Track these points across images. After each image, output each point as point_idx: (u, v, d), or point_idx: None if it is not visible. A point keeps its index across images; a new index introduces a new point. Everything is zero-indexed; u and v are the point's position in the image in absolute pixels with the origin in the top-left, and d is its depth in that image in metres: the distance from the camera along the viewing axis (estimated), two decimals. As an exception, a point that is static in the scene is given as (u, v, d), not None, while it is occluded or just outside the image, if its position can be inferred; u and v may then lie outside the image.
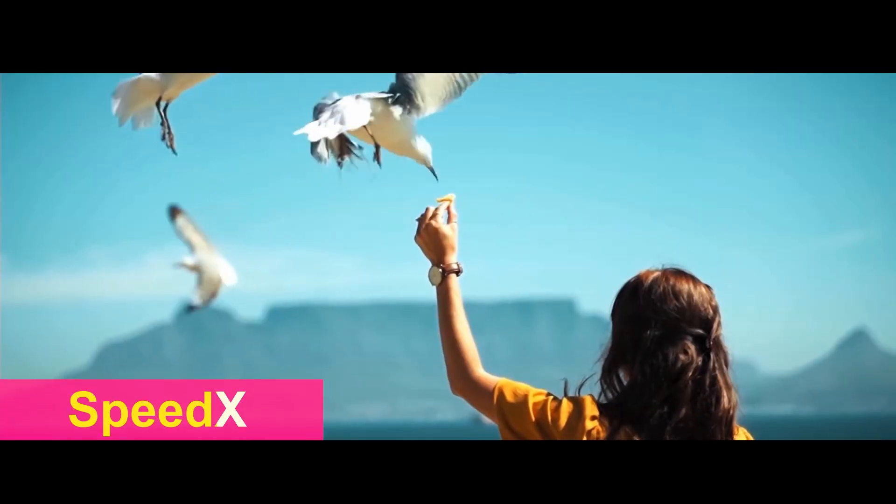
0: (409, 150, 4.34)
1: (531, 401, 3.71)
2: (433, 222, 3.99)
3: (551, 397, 3.72)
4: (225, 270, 11.51)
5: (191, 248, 11.61)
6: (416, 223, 4.04)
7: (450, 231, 3.99)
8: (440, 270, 3.96)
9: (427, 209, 4.03)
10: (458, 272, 3.97)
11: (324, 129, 4.16)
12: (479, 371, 3.85)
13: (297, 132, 4.14)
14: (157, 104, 4.31)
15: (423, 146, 4.32)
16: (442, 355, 3.89)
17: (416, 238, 4.03)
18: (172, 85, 4.28)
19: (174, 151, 4.35)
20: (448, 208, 4.05)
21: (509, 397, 3.73)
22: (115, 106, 4.30)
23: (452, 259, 3.97)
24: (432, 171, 4.32)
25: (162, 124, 4.32)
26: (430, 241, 3.98)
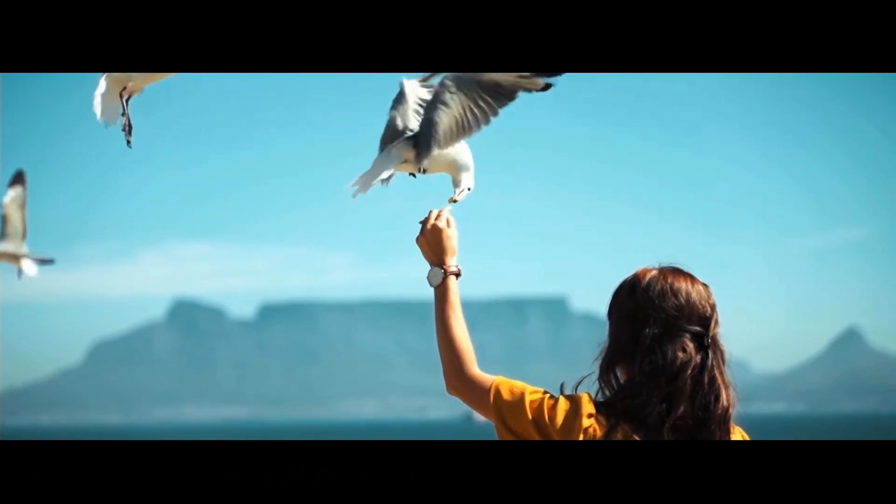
0: (453, 172, 4.38)
1: (528, 399, 3.72)
2: (438, 223, 4.05)
3: (548, 395, 3.74)
4: (26, 262, 11.21)
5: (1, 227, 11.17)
6: (420, 225, 4.09)
7: (453, 234, 4.05)
8: (441, 271, 4.00)
9: (430, 212, 4.08)
10: (457, 274, 4.01)
11: (363, 188, 4.30)
12: (475, 370, 3.87)
13: (346, 187, 4.28)
14: (121, 96, 4.34)
15: (466, 176, 4.36)
16: (436, 353, 3.90)
17: (417, 239, 4.08)
18: (136, 78, 4.32)
19: (129, 145, 4.37)
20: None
21: (506, 395, 3.75)
22: (97, 106, 4.35)
23: (453, 261, 4.02)
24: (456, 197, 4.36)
25: (122, 114, 4.35)
26: (433, 242, 4.03)
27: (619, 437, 3.65)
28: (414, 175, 4.37)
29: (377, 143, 4.37)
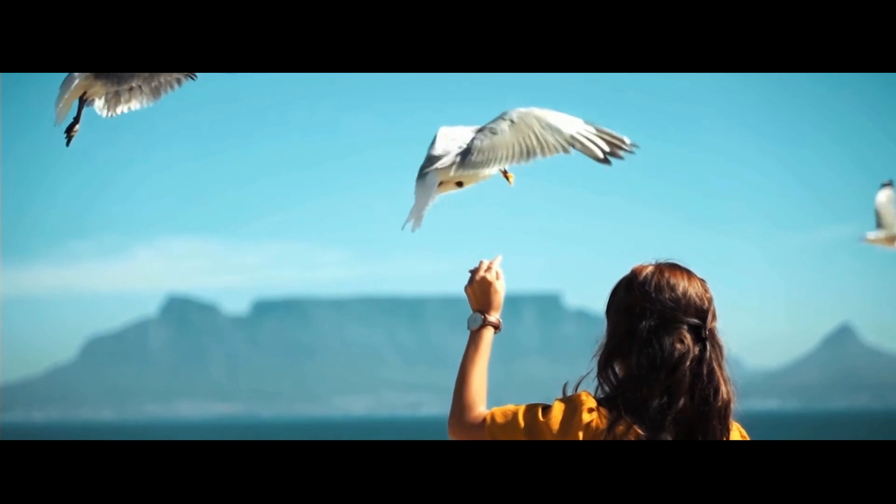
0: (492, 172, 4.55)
1: (521, 415, 3.76)
2: (488, 276, 4.08)
3: (541, 406, 3.77)
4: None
5: None
6: (469, 274, 4.12)
7: (501, 288, 4.09)
8: (481, 318, 4.03)
9: (481, 262, 4.11)
10: (496, 327, 4.06)
11: (417, 222, 4.47)
12: (477, 411, 3.89)
13: (404, 225, 4.48)
14: (81, 98, 4.44)
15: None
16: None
17: (465, 288, 4.10)
18: (100, 83, 4.42)
19: (68, 144, 4.50)
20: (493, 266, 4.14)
21: (499, 419, 3.79)
22: (58, 108, 4.47)
23: (495, 316, 4.06)
24: (506, 174, 4.56)
25: (76, 116, 4.47)
26: (480, 294, 4.07)
27: (621, 429, 3.67)
28: (460, 185, 4.49)
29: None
